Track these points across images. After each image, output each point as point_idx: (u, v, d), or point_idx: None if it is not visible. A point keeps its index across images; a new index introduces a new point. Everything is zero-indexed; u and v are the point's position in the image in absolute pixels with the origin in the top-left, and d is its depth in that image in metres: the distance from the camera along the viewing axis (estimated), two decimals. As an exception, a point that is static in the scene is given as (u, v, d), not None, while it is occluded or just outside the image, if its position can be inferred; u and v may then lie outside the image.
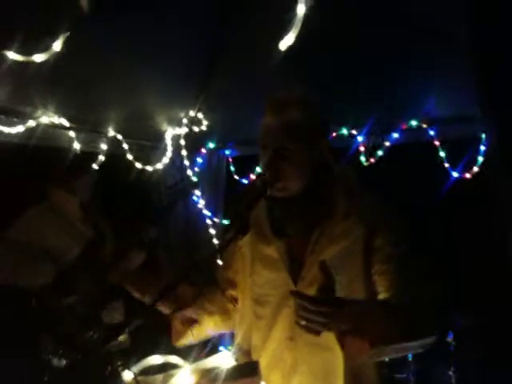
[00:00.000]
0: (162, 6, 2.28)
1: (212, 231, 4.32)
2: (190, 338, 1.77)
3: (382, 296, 1.57)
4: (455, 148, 3.71)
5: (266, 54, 2.57)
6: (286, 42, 1.71)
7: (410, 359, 3.18)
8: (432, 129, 3.63)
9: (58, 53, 2.15)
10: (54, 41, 1.94)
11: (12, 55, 2.01)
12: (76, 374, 1.38)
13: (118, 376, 1.37)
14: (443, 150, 3.66)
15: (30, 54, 2.02)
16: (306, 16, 1.66)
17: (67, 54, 2.26)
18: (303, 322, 1.38)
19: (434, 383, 3.48)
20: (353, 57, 2.81)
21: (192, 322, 1.79)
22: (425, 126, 3.64)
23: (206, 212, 4.30)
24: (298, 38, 1.87)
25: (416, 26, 2.46)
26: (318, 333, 1.40)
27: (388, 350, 1.51)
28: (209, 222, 4.32)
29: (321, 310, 1.36)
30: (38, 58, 2.05)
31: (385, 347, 1.48)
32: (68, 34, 1.88)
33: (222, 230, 1.63)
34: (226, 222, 4.34)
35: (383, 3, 2.32)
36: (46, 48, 1.98)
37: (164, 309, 1.74)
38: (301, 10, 1.63)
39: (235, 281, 1.80)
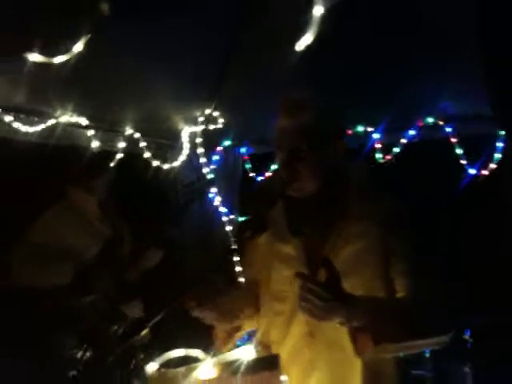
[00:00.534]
0: (178, 9, 2.31)
1: (228, 228, 4.35)
2: (233, 342, 1.79)
3: (398, 295, 1.58)
4: (472, 145, 3.69)
5: (281, 54, 2.60)
6: (303, 42, 1.72)
7: (428, 356, 3.19)
8: (449, 126, 3.63)
9: (76, 54, 2.19)
10: (74, 43, 1.98)
11: (33, 57, 2.05)
12: (101, 369, 1.42)
13: (142, 369, 1.40)
14: (460, 147, 3.65)
15: (52, 55, 2.05)
16: (323, 18, 1.68)
17: (86, 56, 2.31)
18: (303, 304, 1.41)
19: (451, 380, 3.49)
20: (369, 56, 2.82)
21: (235, 329, 1.81)
22: (441, 123, 3.63)
23: (221, 209, 4.34)
24: (314, 39, 1.89)
25: (431, 28, 2.47)
26: (317, 318, 1.43)
27: (395, 348, 1.53)
28: (225, 219, 4.36)
29: (322, 295, 1.39)
30: (59, 59, 2.08)
31: (390, 345, 1.50)
32: (89, 36, 1.91)
33: (239, 229, 1.63)
34: (241, 219, 4.38)
35: (398, 6, 2.33)
36: (66, 50, 2.02)
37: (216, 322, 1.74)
38: (318, 11, 1.65)
39: (258, 279, 1.82)
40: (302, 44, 1.74)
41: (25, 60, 2.11)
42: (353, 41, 2.58)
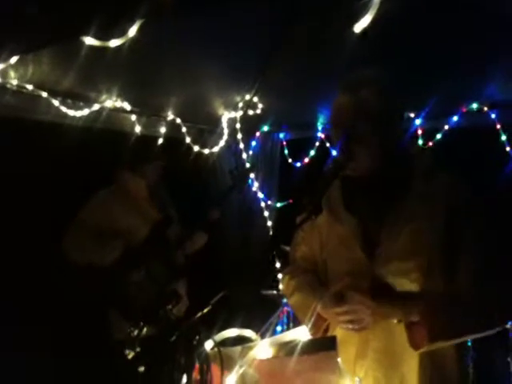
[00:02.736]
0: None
1: (266, 213, 4.39)
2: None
3: (455, 285, 1.55)
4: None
5: (324, 39, 2.58)
6: (361, 24, 1.72)
7: (470, 345, 3.16)
8: (493, 112, 3.56)
9: (126, 40, 2.21)
10: (130, 27, 2.00)
11: (89, 40, 2.08)
12: (160, 347, 1.44)
13: (201, 346, 1.43)
14: (504, 133, 3.58)
15: (107, 39, 2.09)
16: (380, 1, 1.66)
17: (132, 42, 2.33)
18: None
19: (493, 369, 3.46)
20: (416, 41, 2.77)
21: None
22: (486, 109, 3.56)
23: (260, 195, 4.37)
24: (363, 22, 1.86)
25: (482, 10, 2.40)
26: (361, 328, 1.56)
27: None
28: (263, 204, 4.39)
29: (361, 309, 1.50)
30: (114, 43, 2.11)
31: (442, 342, 1.51)
32: (144, 21, 1.93)
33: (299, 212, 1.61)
34: (280, 204, 4.41)
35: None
36: (121, 34, 2.05)
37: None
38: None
39: (310, 256, 1.83)
40: (360, 26, 1.73)
41: (80, 43, 2.13)
42: (400, 25, 2.53)
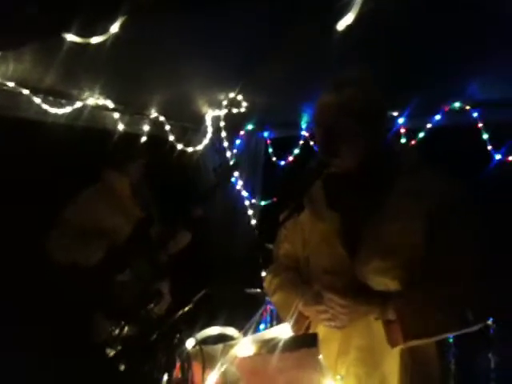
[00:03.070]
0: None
1: (250, 212, 4.39)
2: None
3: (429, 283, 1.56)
4: (499, 131, 3.65)
5: (307, 38, 2.58)
6: (345, 22, 1.72)
7: (451, 341, 3.19)
8: (475, 111, 3.59)
9: (108, 37, 2.19)
10: (111, 24, 1.99)
11: (71, 37, 2.06)
12: (141, 346, 1.44)
13: (182, 344, 1.43)
14: (486, 132, 3.62)
15: (89, 36, 2.07)
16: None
17: (115, 39, 2.31)
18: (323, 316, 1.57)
19: (474, 365, 3.49)
20: (399, 40, 2.79)
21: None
22: (468, 108, 3.60)
23: (244, 193, 4.37)
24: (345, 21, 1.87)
25: (466, 10, 2.42)
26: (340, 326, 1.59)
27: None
28: (247, 203, 4.39)
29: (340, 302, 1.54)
30: (96, 40, 2.09)
31: (417, 340, 1.53)
32: (126, 17, 1.92)
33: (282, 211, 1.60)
34: (264, 202, 4.42)
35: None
36: (104, 31, 2.03)
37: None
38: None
39: (292, 253, 1.84)
40: (342, 24, 1.74)
41: (62, 40, 2.11)
42: (381, 24, 2.54)
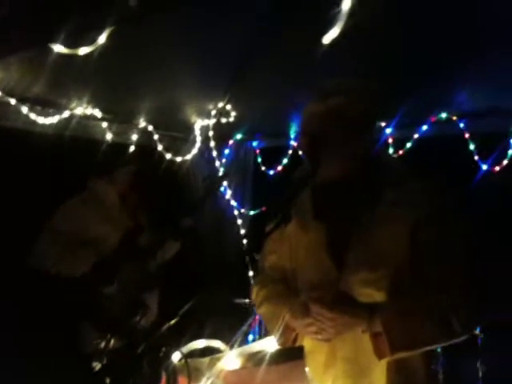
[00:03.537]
0: (197, 2, 2.30)
1: (239, 221, 4.39)
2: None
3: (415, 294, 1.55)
4: (485, 141, 3.69)
5: (297, 48, 2.60)
6: (330, 35, 1.73)
7: (439, 351, 3.20)
8: (462, 121, 3.63)
9: (96, 47, 2.19)
10: (99, 34, 1.99)
11: (58, 48, 2.06)
12: (127, 358, 1.42)
13: (168, 357, 1.42)
14: (473, 142, 3.65)
15: (76, 46, 2.07)
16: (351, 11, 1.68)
17: (103, 49, 2.31)
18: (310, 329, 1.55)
19: (462, 375, 3.50)
20: (385, 51, 2.81)
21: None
22: (455, 118, 3.63)
23: (233, 203, 4.37)
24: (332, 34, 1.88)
25: (451, 20, 2.45)
26: (327, 338, 1.58)
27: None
28: (236, 212, 4.39)
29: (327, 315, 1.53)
30: (83, 50, 2.09)
31: (404, 352, 1.52)
32: (113, 28, 1.92)
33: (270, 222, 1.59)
34: (253, 212, 4.42)
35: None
36: (91, 41, 2.03)
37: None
38: (346, 5, 1.65)
39: (279, 265, 1.82)
40: (329, 37, 1.75)
41: (49, 51, 2.11)
42: (370, 33, 2.57)
